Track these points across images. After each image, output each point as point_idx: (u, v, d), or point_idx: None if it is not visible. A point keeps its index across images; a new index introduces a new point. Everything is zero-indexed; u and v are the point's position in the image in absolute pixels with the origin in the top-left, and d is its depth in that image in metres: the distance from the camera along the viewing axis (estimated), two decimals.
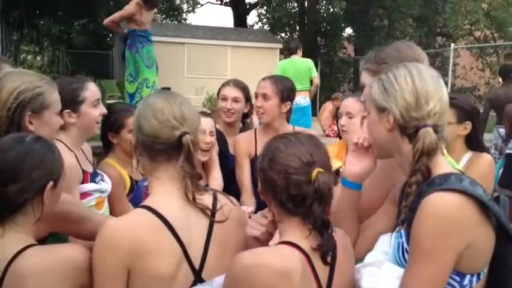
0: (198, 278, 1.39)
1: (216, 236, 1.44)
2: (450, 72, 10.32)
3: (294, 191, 1.31)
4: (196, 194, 1.42)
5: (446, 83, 9.92)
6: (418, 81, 1.37)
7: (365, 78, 1.72)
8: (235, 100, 2.95)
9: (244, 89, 3.02)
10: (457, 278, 1.28)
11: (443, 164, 1.36)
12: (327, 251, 1.32)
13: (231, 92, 2.96)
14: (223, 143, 2.85)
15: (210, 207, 1.45)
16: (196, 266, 1.39)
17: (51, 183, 1.38)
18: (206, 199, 1.46)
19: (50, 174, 1.38)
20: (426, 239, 1.24)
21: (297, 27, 21.18)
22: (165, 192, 1.41)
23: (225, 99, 2.96)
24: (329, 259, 1.33)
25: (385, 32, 17.28)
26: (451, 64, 10.70)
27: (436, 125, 1.35)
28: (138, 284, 1.33)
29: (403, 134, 1.38)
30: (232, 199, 1.57)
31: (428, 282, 1.24)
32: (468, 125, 2.44)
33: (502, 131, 6.06)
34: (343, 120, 2.66)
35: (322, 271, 1.33)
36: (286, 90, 2.74)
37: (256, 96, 2.76)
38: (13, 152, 1.35)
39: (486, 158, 2.47)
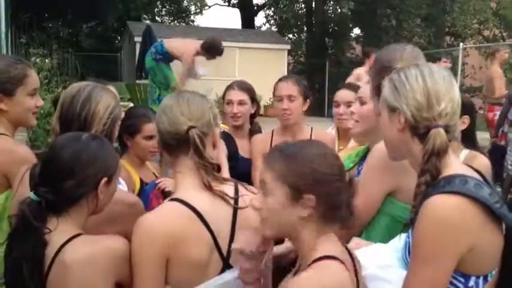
0: (226, 264, 1.46)
1: (239, 224, 1.48)
2: (459, 72, 10.25)
3: (338, 198, 1.31)
4: (214, 183, 1.48)
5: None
6: (430, 82, 1.35)
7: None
8: (241, 103, 2.88)
9: (249, 90, 2.94)
10: (462, 279, 1.28)
11: (453, 165, 1.33)
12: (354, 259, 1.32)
13: (236, 95, 2.88)
14: (232, 145, 2.81)
15: (232, 195, 1.50)
16: (224, 253, 1.45)
17: (105, 179, 1.44)
18: (227, 189, 1.50)
19: (104, 170, 1.44)
20: (425, 242, 1.24)
21: (305, 28, 21.18)
22: (190, 184, 1.47)
23: (230, 103, 2.88)
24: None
25: (393, 32, 17.21)
26: (460, 64, 10.62)
27: (448, 125, 1.33)
28: (175, 273, 1.40)
29: (413, 135, 1.36)
30: (253, 189, 1.59)
31: (428, 284, 1.24)
32: (466, 119, 2.39)
33: None
34: (341, 109, 2.86)
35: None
36: (306, 88, 2.76)
37: (280, 98, 2.73)
38: (69, 149, 1.42)
39: (483, 160, 2.41)
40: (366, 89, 2.16)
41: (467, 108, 2.35)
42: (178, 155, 1.49)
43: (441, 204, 1.23)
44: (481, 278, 1.28)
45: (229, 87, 2.96)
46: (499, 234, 1.27)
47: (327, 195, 1.29)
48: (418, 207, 1.27)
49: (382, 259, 1.42)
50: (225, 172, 2.55)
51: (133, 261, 1.38)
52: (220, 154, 2.52)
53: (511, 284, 1.26)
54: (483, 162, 2.39)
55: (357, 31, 20.65)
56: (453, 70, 10.41)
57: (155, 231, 1.38)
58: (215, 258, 1.44)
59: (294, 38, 22.32)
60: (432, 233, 1.23)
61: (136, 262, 1.38)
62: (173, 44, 5.84)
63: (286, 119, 2.75)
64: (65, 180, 1.39)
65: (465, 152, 2.42)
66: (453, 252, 1.23)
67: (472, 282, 1.27)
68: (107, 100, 1.71)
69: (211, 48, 5.60)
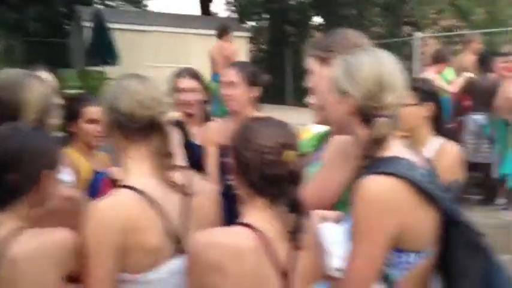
0: (179, 249, 1.49)
1: (189, 211, 1.54)
2: (416, 61, 10.39)
3: (267, 171, 1.36)
4: (168, 171, 1.52)
5: (412, 72, 9.87)
6: (383, 71, 1.42)
7: (311, 64, 1.76)
8: (193, 91, 2.94)
9: (199, 77, 3.01)
10: (397, 255, 1.36)
11: (391, 148, 1.41)
12: (293, 233, 1.36)
13: (187, 83, 2.95)
14: (185, 133, 2.79)
15: (182, 183, 1.54)
16: (176, 238, 1.49)
17: (48, 171, 1.43)
18: (178, 176, 1.55)
19: (47, 163, 1.44)
20: (360, 221, 1.34)
21: (265, 16, 20.95)
22: (140, 171, 1.50)
23: (181, 91, 2.94)
24: (296, 242, 1.38)
25: (353, 21, 17.19)
26: (415, 53, 10.67)
27: (392, 115, 1.42)
28: (130, 259, 1.42)
29: (360, 119, 1.43)
30: (202, 176, 1.70)
31: (365, 258, 1.33)
32: (431, 106, 2.46)
33: (479, 117, 6.15)
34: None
35: (285, 253, 1.37)
36: (252, 75, 2.76)
37: (224, 85, 2.79)
38: (11, 142, 1.40)
39: (454, 149, 2.49)
40: (315, 79, 2.09)
41: (430, 96, 2.50)
42: (134, 140, 1.51)
43: (373, 184, 1.33)
44: (416, 254, 1.37)
45: (179, 75, 3.01)
46: (433, 213, 1.37)
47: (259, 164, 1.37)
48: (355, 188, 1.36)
49: (334, 236, 1.47)
50: (179, 160, 2.48)
51: (86, 250, 1.37)
52: (173, 142, 2.43)
53: (448, 260, 1.40)
54: (454, 150, 2.48)
55: (318, 19, 20.58)
56: (410, 59, 10.55)
57: (108, 218, 1.39)
58: (167, 244, 1.47)
59: (255, 25, 22.06)
60: (365, 212, 1.33)
61: (89, 251, 1.37)
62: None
63: (228, 105, 2.80)
64: (7, 174, 1.37)
65: (436, 141, 2.46)
66: (385, 230, 1.33)
67: (407, 258, 1.37)
68: (38, 88, 1.70)
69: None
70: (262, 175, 1.36)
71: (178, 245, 1.49)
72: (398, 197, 1.32)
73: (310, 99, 1.80)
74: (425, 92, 2.46)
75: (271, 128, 1.41)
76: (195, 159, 2.68)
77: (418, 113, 2.42)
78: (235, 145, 1.43)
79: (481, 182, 6.76)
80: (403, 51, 15.29)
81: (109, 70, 10.47)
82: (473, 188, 6.79)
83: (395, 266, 1.37)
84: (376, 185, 1.32)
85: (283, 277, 1.36)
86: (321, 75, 1.71)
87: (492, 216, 6.02)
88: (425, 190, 1.33)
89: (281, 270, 1.35)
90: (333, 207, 1.67)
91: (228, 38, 7.07)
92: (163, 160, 1.51)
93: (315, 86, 1.76)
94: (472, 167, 6.62)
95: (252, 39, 15.64)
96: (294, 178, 1.37)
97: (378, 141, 1.39)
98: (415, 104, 2.40)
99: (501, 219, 5.88)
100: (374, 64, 1.42)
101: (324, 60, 1.72)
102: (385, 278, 1.36)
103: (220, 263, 1.29)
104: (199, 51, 14.23)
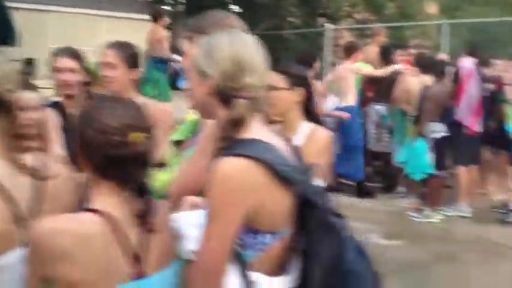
0: (26, 235, 1.40)
1: (41, 195, 1.50)
2: (328, 52, 10.67)
3: (111, 152, 1.32)
4: (17, 153, 1.47)
5: (323, 62, 10.01)
6: (242, 52, 1.42)
7: (184, 46, 1.79)
8: (71, 71, 2.81)
9: (79, 57, 2.89)
10: (252, 236, 1.37)
11: (251, 130, 1.41)
12: (142, 217, 1.35)
13: (66, 62, 2.82)
14: (64, 116, 2.75)
15: (34, 167, 1.50)
16: (24, 224, 1.44)
17: None
18: (30, 159, 1.50)
19: None
20: (213, 201, 1.34)
21: (181, 1, 20.51)
22: None
23: (59, 70, 2.80)
24: (146, 226, 1.37)
25: (270, 10, 17.25)
26: (327, 44, 10.97)
27: (253, 97, 1.41)
28: None
29: (220, 100, 1.42)
30: (64, 162, 1.66)
31: (219, 241, 1.33)
32: (301, 91, 2.49)
33: (380, 108, 6.46)
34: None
35: (136, 238, 1.36)
36: (131, 56, 2.73)
37: (103, 66, 2.74)
38: None
39: (324, 133, 2.54)
40: (187, 61, 2.09)
41: (301, 81, 2.51)
42: None
43: (227, 166, 1.33)
44: (272, 235, 1.38)
45: (56, 54, 2.89)
46: (289, 196, 1.38)
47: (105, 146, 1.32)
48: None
49: (193, 219, 1.44)
50: (55, 143, 2.46)
51: None
52: (49, 124, 2.44)
53: (303, 241, 1.41)
54: (324, 135, 2.52)
55: (235, 7, 20.45)
56: (327, 51, 10.78)
57: None
58: (13, 229, 1.43)
59: (171, 10, 21.59)
60: (218, 193, 1.33)
61: None
62: None
63: (108, 87, 2.72)
64: None
65: (307, 125, 2.50)
66: (239, 211, 1.33)
67: (262, 239, 1.37)
68: None
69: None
70: (106, 156, 1.32)
71: (26, 230, 1.42)
72: (253, 179, 1.33)
73: (185, 83, 1.75)
74: (296, 77, 2.50)
75: (118, 108, 1.37)
76: (75, 143, 2.60)
77: (289, 98, 2.45)
78: (79, 124, 1.37)
79: (382, 171, 7.04)
80: (317, 42, 15.65)
81: (9, 51, 9.78)
82: (375, 177, 7.06)
83: (251, 247, 1.38)
84: (230, 166, 1.33)
85: (136, 261, 1.34)
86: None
87: (390, 203, 6.29)
88: (281, 173, 1.34)
89: (132, 254, 1.34)
90: (202, 192, 1.64)
91: (162, 23, 7.31)
92: (11, 141, 1.45)
93: (187, 68, 1.71)
94: (374, 156, 6.92)
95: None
96: (141, 161, 1.34)
97: (237, 123, 1.39)
98: (286, 89, 2.44)
99: (397, 207, 6.16)
100: (234, 45, 1.42)
101: (194, 42, 1.70)
102: (239, 259, 1.36)
103: (66, 251, 1.25)
104: (108, 34, 13.70)
